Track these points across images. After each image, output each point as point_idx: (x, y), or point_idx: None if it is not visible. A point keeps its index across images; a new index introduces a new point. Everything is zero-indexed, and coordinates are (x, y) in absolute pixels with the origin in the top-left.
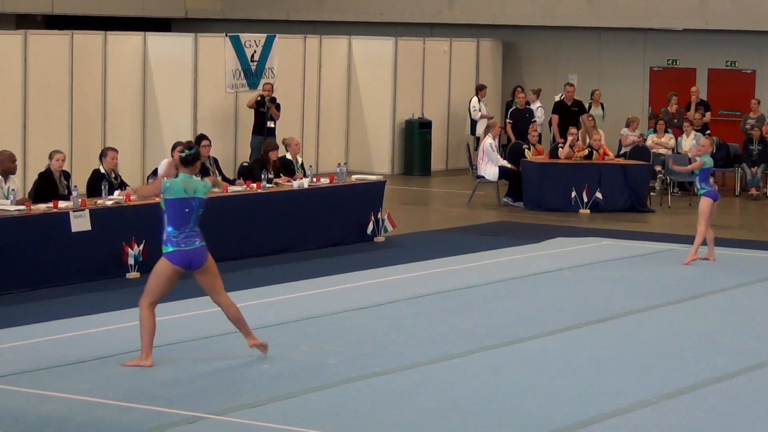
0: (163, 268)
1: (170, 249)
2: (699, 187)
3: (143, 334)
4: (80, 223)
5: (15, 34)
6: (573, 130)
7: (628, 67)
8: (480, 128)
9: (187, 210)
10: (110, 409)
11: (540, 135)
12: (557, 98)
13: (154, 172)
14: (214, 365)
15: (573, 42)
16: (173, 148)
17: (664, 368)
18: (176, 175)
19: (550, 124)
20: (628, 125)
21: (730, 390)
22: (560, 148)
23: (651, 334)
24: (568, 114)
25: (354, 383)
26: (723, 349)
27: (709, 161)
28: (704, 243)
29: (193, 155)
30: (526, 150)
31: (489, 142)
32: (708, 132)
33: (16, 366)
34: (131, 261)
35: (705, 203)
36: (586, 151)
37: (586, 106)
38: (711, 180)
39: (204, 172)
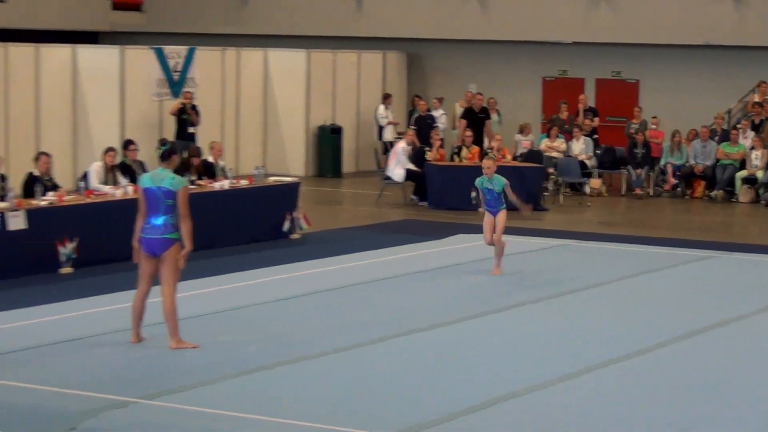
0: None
1: (141, 236)
2: (503, 203)
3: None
4: (16, 222)
5: None
6: (468, 133)
7: (522, 77)
8: (387, 134)
9: (152, 200)
10: (47, 395)
11: (442, 140)
12: (459, 105)
13: (85, 176)
14: (145, 353)
15: (472, 54)
16: (104, 153)
17: (557, 354)
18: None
19: (455, 129)
20: (521, 131)
21: (617, 374)
22: (461, 149)
23: (544, 324)
24: (475, 119)
25: (271, 369)
26: (609, 337)
27: (498, 183)
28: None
29: (168, 151)
30: (428, 152)
31: (402, 146)
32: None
33: None
34: (63, 257)
35: (504, 214)
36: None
37: None
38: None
39: (131, 175)
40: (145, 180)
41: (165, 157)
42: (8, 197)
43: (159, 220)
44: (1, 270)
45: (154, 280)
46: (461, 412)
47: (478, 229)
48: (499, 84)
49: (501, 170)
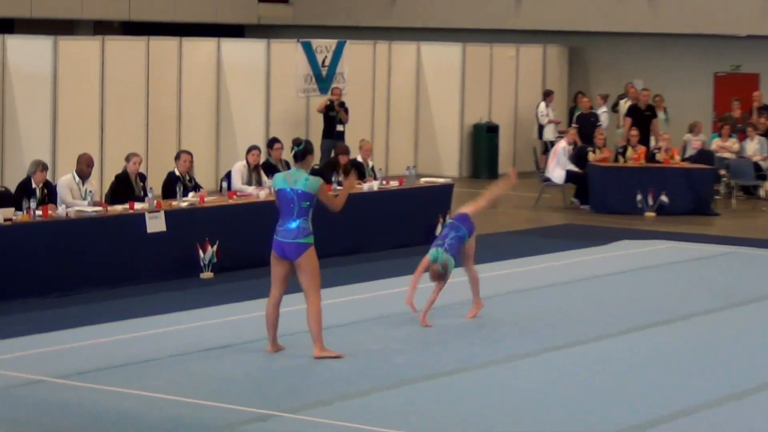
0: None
1: (274, 237)
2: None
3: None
4: (155, 224)
5: (93, 40)
6: (633, 132)
7: (692, 73)
8: (547, 133)
9: (286, 202)
10: (185, 407)
11: (605, 139)
12: (623, 102)
13: (228, 175)
14: (286, 363)
15: (637, 47)
16: (248, 152)
17: (727, 369)
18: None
19: (619, 128)
20: (691, 130)
21: None
22: (627, 149)
23: (715, 336)
24: (641, 117)
25: (421, 382)
26: None
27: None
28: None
29: (302, 151)
30: (591, 152)
31: (563, 146)
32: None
33: (92, 364)
34: (203, 262)
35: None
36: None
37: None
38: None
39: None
40: (278, 180)
41: (299, 158)
42: (148, 198)
43: (293, 224)
44: (140, 274)
45: (287, 284)
46: (637, 425)
47: (644, 235)
48: (667, 80)
49: (669, 172)
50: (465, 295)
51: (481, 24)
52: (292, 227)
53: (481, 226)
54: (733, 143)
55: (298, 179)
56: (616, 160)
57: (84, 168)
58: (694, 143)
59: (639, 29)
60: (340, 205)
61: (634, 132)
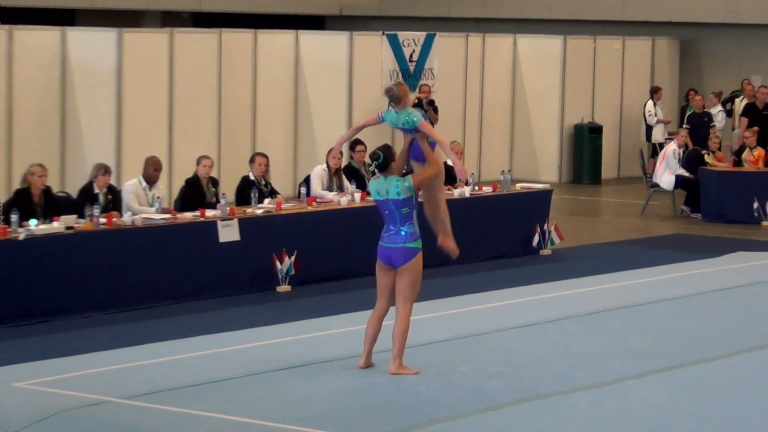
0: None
1: (379, 244)
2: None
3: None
4: (228, 232)
5: (160, 33)
6: (748, 133)
7: None
8: (656, 134)
9: (386, 212)
10: (258, 431)
11: (720, 141)
12: (738, 101)
13: (306, 180)
14: (368, 383)
15: (756, 40)
16: (328, 154)
17: None
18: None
19: (734, 129)
20: None
21: None
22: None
23: None
24: (759, 118)
25: (517, 406)
26: None
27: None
28: None
29: (382, 163)
30: (706, 156)
31: (673, 148)
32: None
33: (160, 383)
34: (281, 274)
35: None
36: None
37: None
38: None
39: (359, 180)
40: (372, 190)
41: (382, 169)
42: (220, 204)
43: (399, 230)
44: (212, 287)
45: (394, 296)
46: None
47: (761, 246)
48: None
49: None
50: (568, 312)
51: (583, 14)
52: (399, 234)
53: (582, 235)
54: None
55: (389, 188)
56: (738, 162)
57: (151, 172)
58: None
59: (758, 20)
60: (434, 167)
61: (749, 133)
